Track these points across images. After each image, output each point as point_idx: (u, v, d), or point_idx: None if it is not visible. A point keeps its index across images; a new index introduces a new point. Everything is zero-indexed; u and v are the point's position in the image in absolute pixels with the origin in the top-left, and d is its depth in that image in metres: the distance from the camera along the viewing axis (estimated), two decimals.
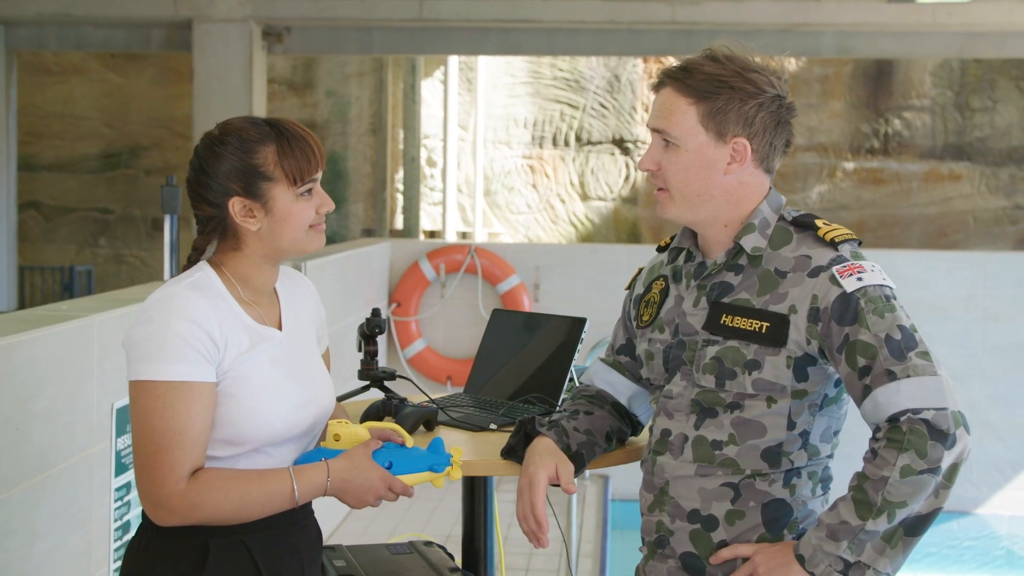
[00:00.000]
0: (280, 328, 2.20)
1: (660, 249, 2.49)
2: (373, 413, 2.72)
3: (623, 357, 2.49)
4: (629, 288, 2.52)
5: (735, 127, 2.19)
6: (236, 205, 2.11)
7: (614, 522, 6.56)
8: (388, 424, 2.25)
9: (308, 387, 2.19)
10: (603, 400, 2.49)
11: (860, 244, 2.23)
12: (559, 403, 2.84)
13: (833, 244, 2.17)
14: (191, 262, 2.17)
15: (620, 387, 2.49)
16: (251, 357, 2.09)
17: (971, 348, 7.71)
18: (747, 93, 2.19)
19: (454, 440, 2.62)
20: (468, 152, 11.36)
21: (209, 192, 2.12)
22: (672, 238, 2.44)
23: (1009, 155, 10.85)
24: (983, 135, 10.87)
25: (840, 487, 2.24)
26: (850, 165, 11.04)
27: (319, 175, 2.16)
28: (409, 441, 2.23)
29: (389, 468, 2.16)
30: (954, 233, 10.93)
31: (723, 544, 2.19)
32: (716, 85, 2.19)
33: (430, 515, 6.46)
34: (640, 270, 2.51)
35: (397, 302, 7.91)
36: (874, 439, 2.07)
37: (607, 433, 2.44)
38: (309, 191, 2.14)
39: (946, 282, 7.68)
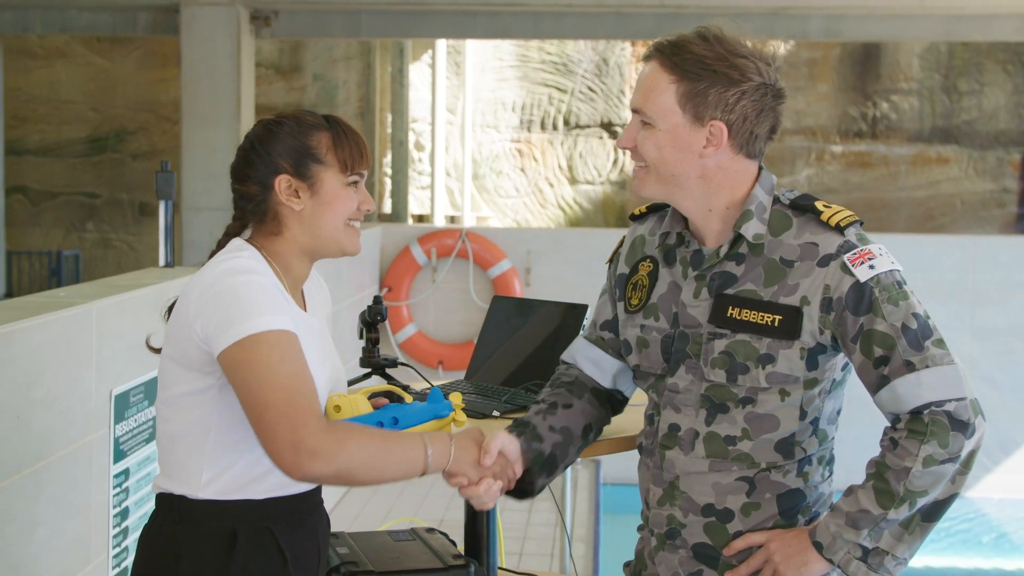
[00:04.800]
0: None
1: (634, 217, 2.40)
2: None
3: (607, 333, 2.39)
4: (611, 262, 2.42)
5: (713, 111, 2.11)
6: (282, 183, 2.11)
7: (606, 506, 6.56)
8: (385, 386, 2.26)
9: (333, 373, 2.20)
10: (582, 388, 2.39)
11: (862, 224, 2.17)
12: None
13: (839, 229, 2.10)
14: (220, 247, 2.16)
15: (604, 364, 2.40)
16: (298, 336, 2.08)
17: (960, 332, 7.72)
18: (730, 80, 2.11)
19: None
20: (456, 136, 11.34)
21: (257, 169, 2.12)
22: (648, 207, 2.37)
23: (996, 138, 10.88)
24: (971, 118, 10.90)
25: (839, 466, 2.26)
26: (838, 148, 11.06)
27: (366, 173, 2.17)
28: (408, 398, 2.25)
29: (395, 424, 2.16)
30: (941, 216, 10.96)
31: (739, 535, 2.16)
32: (700, 67, 2.11)
33: (422, 500, 6.47)
34: (621, 241, 2.42)
35: (388, 287, 7.90)
36: (893, 428, 2.05)
37: (585, 427, 2.36)
38: (356, 183, 2.15)
39: (935, 266, 7.69)
